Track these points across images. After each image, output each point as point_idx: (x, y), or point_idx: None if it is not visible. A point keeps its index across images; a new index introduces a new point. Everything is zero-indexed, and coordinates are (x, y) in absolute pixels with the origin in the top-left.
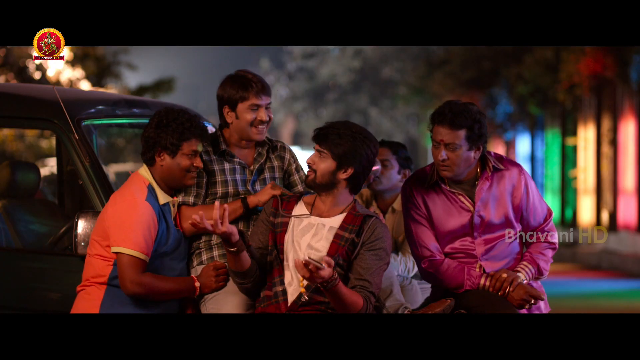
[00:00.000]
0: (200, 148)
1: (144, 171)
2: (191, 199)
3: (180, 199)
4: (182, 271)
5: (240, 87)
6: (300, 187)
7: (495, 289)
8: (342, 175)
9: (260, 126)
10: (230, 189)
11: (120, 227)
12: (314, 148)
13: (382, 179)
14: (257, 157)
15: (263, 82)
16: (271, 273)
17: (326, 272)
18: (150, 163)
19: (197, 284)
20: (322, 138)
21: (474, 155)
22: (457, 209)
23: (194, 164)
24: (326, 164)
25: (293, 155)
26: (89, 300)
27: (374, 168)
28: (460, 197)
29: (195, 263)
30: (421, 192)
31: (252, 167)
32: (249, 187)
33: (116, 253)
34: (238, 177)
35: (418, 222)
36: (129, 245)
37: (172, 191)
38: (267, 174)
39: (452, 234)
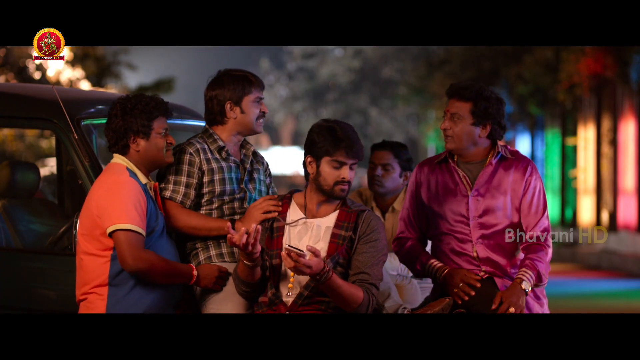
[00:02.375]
0: (166, 125)
1: (118, 159)
2: (179, 197)
3: (167, 194)
4: (175, 257)
5: (244, 82)
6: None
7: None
8: None
9: (262, 119)
10: (227, 188)
11: (111, 206)
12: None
13: (385, 182)
14: (244, 158)
15: (259, 78)
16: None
17: (313, 262)
18: (124, 152)
19: (195, 273)
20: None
21: (479, 133)
22: (455, 188)
23: (168, 141)
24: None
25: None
26: (92, 310)
27: (375, 173)
28: (464, 178)
29: (194, 264)
30: (427, 168)
31: (246, 166)
32: (243, 186)
33: (112, 232)
34: (233, 175)
35: (410, 203)
36: (124, 220)
37: (149, 174)
38: (255, 175)
39: (447, 213)
